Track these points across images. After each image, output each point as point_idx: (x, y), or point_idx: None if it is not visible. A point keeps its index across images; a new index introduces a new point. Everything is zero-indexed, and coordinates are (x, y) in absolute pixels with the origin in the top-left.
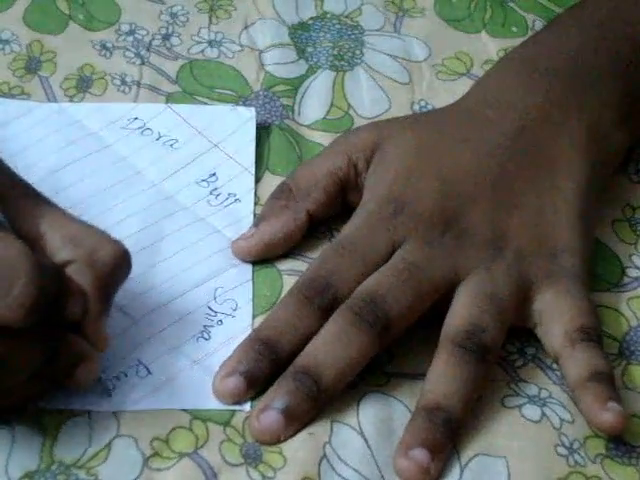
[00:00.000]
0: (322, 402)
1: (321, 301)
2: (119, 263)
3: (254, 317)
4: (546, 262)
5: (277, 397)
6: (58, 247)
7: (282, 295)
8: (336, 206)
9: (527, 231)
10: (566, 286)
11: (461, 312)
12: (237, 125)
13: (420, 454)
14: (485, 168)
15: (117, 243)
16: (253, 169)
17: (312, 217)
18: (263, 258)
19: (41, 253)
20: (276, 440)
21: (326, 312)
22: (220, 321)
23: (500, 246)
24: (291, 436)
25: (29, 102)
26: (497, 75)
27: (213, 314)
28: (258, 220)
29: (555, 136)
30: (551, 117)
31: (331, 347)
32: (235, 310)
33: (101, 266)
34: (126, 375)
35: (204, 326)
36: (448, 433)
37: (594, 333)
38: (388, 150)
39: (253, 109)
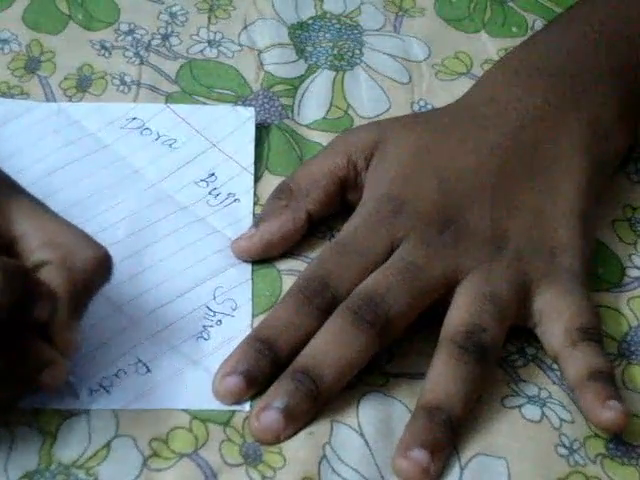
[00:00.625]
0: (322, 402)
1: (320, 301)
2: (97, 268)
3: (253, 317)
4: (546, 262)
5: (277, 397)
6: (36, 247)
7: (282, 295)
8: (336, 205)
9: (527, 231)
10: (565, 286)
11: (461, 312)
12: (236, 125)
13: (420, 454)
14: (484, 168)
15: (97, 247)
16: (252, 169)
17: (312, 217)
18: (263, 258)
19: (14, 253)
20: (276, 440)
21: (325, 312)
22: (219, 321)
23: (500, 245)
24: (291, 436)
25: (28, 102)
26: (496, 75)
27: (212, 314)
28: (258, 220)
29: (554, 136)
30: (550, 117)
31: (330, 347)
32: (234, 310)
33: (76, 270)
34: (125, 373)
35: (203, 326)
36: (448, 433)
37: (594, 332)
38: (388, 149)
39: (252, 109)
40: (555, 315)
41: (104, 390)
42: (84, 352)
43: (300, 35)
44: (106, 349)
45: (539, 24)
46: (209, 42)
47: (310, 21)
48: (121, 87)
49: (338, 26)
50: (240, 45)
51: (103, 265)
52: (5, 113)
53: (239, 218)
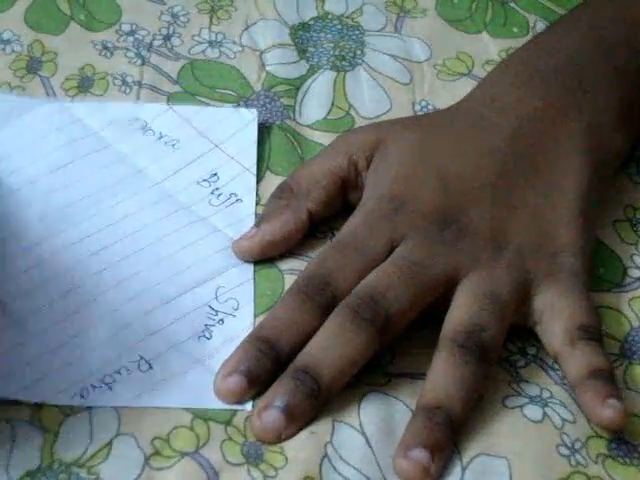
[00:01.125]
0: (323, 400)
1: (321, 299)
2: None
3: (255, 317)
4: (546, 261)
5: (278, 396)
6: None
7: (283, 295)
8: (336, 205)
9: (527, 230)
10: (566, 285)
11: (461, 311)
12: (239, 126)
13: (420, 454)
14: (485, 168)
15: None
16: (255, 169)
17: (313, 216)
18: (264, 257)
19: None
20: (277, 439)
21: (326, 310)
22: (221, 320)
23: (500, 245)
24: (292, 435)
25: (30, 99)
26: (497, 77)
27: (214, 313)
28: (259, 220)
29: (554, 137)
30: (550, 118)
31: (331, 345)
32: (236, 310)
33: None
34: (128, 370)
35: (205, 325)
36: (448, 433)
37: (594, 332)
38: (389, 149)
39: (255, 110)
40: (555, 314)
41: (106, 387)
42: (86, 349)
43: (302, 36)
44: (108, 346)
45: (540, 25)
46: (210, 43)
47: (312, 22)
48: (123, 87)
49: (339, 27)
50: (241, 46)
51: None
52: (7, 110)
53: (241, 218)
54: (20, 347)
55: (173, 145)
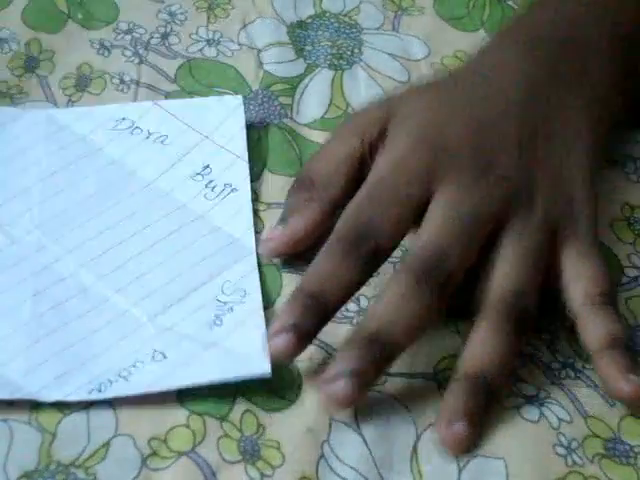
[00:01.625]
0: (390, 365)
1: (364, 248)
2: None
3: (264, 301)
4: (568, 221)
5: (346, 363)
6: None
7: (282, 292)
8: (357, 186)
9: (550, 187)
10: (585, 248)
11: (505, 272)
12: (226, 114)
13: (462, 427)
14: (506, 123)
15: None
16: (246, 156)
17: (337, 205)
18: (292, 253)
19: None
20: (348, 406)
21: (368, 262)
22: (231, 308)
23: (532, 197)
24: (362, 401)
25: (16, 109)
26: (500, 43)
27: (223, 304)
28: (284, 216)
29: (562, 100)
30: (554, 88)
31: (398, 308)
32: (244, 297)
33: None
34: (142, 362)
35: (215, 315)
36: (487, 403)
37: (610, 296)
38: (404, 112)
39: (240, 97)
40: (574, 276)
41: (123, 380)
42: (100, 350)
43: (299, 34)
44: (120, 347)
45: None
46: (208, 41)
47: (309, 20)
48: (120, 86)
49: (337, 25)
50: (239, 44)
51: None
52: None
53: (238, 209)
54: (32, 347)
55: (162, 141)
